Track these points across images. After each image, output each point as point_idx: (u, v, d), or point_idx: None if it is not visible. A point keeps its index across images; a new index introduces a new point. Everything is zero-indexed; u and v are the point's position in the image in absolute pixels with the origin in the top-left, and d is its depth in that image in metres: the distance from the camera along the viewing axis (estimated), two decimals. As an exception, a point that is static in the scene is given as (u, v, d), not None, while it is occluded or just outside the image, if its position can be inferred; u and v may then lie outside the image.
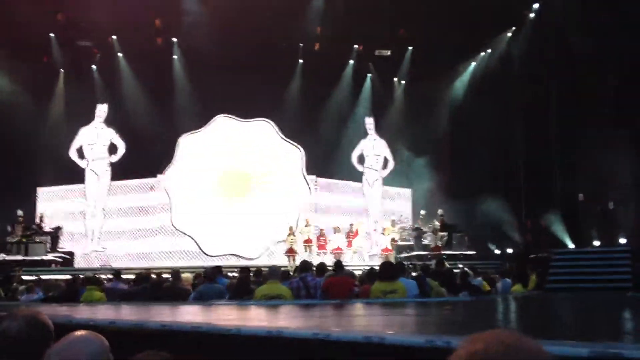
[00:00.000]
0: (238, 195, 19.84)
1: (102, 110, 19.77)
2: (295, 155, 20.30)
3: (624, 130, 15.29)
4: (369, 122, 21.28)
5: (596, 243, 16.03)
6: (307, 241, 18.17)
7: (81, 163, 19.53)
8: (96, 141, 19.58)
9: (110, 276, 12.02)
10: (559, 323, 4.93)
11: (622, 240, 15.28)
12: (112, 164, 19.67)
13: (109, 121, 19.75)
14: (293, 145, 20.25)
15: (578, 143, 16.97)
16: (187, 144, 19.86)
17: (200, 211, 19.35)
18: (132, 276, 11.10)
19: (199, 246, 19.07)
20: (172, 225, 19.15)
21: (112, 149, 19.71)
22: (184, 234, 19.14)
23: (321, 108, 21.40)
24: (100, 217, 19.47)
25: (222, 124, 20.27)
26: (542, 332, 3.82)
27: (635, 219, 15.67)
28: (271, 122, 20.29)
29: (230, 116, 20.13)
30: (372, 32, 20.34)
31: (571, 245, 16.60)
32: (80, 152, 19.56)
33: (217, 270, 9.13)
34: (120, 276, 10.65)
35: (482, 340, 1.59)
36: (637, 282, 10.24)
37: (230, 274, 11.57)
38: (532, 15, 19.31)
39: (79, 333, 2.37)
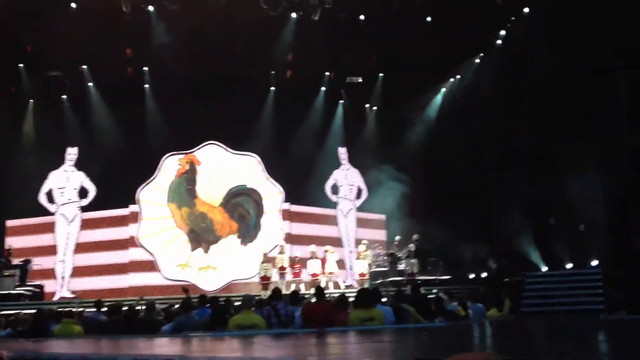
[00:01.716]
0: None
1: (72, 153, 19.35)
2: (275, 195, 20.23)
3: (593, 152, 15.54)
4: (342, 152, 21.30)
5: (568, 266, 16.17)
6: (282, 269, 18.07)
7: (50, 208, 19.09)
8: (66, 185, 19.16)
9: (80, 309, 11.80)
10: (538, 348, 4.93)
11: (594, 263, 15.44)
12: (82, 208, 19.29)
13: (80, 152, 19.43)
14: (274, 185, 20.16)
15: (548, 166, 17.20)
16: (171, 164, 19.66)
17: (169, 231, 19.26)
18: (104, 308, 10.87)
19: (157, 266, 18.89)
20: (139, 242, 18.95)
21: (82, 192, 19.27)
22: (147, 250, 18.95)
23: (294, 134, 21.49)
24: (70, 263, 19.07)
25: (210, 151, 20.12)
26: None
27: (606, 241, 15.87)
28: (257, 157, 20.17)
29: (219, 144, 20.02)
30: (343, 59, 20.57)
31: (544, 268, 16.72)
32: (50, 197, 19.10)
33: (203, 300, 9.06)
34: (100, 307, 10.40)
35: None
36: (610, 305, 10.37)
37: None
38: (499, 41, 19.65)
39: None
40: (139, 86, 20.78)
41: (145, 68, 20.64)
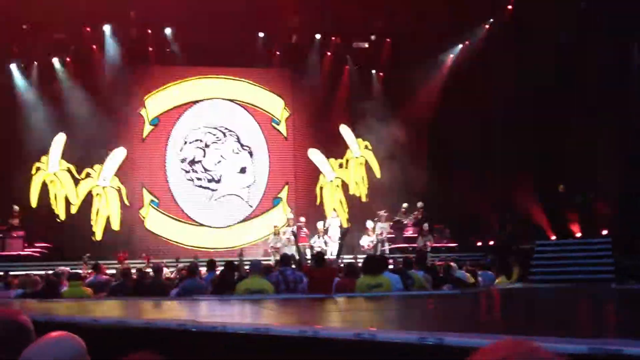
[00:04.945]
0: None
1: None
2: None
3: (606, 120, 15.35)
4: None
5: (578, 235, 16.07)
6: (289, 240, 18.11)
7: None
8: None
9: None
10: (550, 317, 4.88)
11: (604, 232, 15.32)
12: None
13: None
14: None
15: (558, 133, 16.98)
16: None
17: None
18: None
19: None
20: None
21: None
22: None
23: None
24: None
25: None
26: (535, 328, 3.76)
27: (617, 210, 15.76)
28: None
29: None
30: (349, 24, 20.20)
31: (552, 237, 16.60)
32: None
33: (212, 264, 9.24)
34: (99, 269, 10.45)
35: (498, 349, 1.59)
36: (620, 274, 10.32)
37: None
38: (509, 7, 19.28)
39: (55, 334, 2.28)
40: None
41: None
